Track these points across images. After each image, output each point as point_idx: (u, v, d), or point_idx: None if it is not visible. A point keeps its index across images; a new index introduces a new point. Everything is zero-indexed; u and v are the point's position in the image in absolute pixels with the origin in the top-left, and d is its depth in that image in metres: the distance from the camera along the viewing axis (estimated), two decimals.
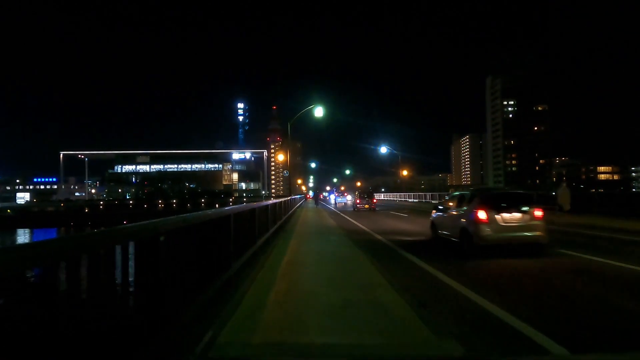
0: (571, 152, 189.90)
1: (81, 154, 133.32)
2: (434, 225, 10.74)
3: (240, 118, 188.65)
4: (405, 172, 46.65)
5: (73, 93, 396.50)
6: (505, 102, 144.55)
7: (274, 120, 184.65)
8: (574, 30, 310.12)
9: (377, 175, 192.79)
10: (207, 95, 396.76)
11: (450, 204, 10.14)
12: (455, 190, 10.99)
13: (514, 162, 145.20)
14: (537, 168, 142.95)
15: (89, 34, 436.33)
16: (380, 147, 43.07)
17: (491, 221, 8.00)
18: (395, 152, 43.52)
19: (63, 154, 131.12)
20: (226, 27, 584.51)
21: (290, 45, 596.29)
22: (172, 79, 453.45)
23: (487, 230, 7.96)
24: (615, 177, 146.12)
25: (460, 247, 8.59)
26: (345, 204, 40.40)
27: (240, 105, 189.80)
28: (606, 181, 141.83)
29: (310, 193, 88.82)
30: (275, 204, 11.15)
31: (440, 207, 10.80)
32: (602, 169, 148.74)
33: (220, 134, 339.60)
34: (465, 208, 8.86)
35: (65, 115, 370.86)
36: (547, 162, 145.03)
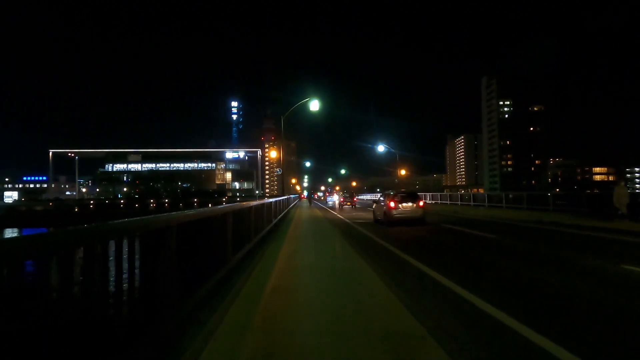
0: (567, 152, 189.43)
1: (71, 153, 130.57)
2: (374, 212, 17.59)
3: (234, 117, 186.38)
4: (403, 172, 44.99)
5: (64, 91, 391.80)
6: (501, 102, 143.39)
7: (268, 119, 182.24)
8: (570, 31, 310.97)
9: (372, 175, 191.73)
10: (200, 92, 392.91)
11: (382, 199, 16.42)
12: (392, 190, 18.55)
13: (509, 162, 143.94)
14: (532, 169, 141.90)
15: (79, 30, 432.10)
16: (378, 145, 41.37)
17: (396, 208, 14.65)
18: (392, 150, 41.75)
19: (52, 152, 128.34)
20: (219, 22, 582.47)
21: (286, 45, 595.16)
22: (164, 75, 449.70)
23: (393, 212, 14.63)
24: (611, 177, 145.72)
25: (383, 222, 15.37)
26: (334, 202, 46.73)
27: (234, 103, 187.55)
28: (601, 182, 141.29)
29: (305, 193, 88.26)
30: (262, 204, 9.34)
31: (377, 201, 17.59)
32: (597, 169, 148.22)
33: (214, 132, 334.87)
34: (386, 201, 15.45)
35: (56, 113, 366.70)
36: (543, 162, 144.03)
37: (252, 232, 7.01)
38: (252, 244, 7.03)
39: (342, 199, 39.46)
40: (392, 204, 14.60)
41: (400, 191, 17.34)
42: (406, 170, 52.70)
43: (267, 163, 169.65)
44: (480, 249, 9.18)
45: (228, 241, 4.77)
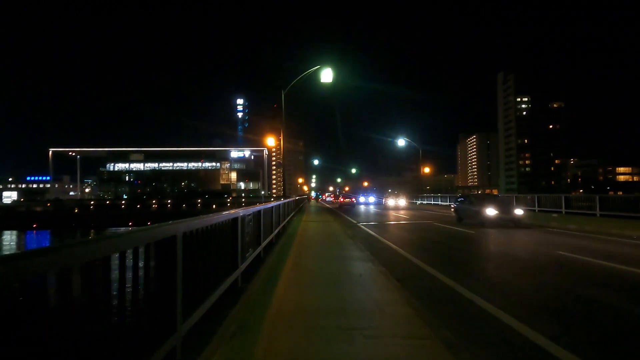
0: (588, 151, 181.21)
1: (72, 151, 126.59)
2: (339, 204, 43.11)
3: (240, 115, 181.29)
4: (427, 169, 39.51)
5: (69, 89, 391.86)
6: (518, 99, 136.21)
7: (276, 117, 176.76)
8: (592, 25, 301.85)
9: (382, 175, 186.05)
10: (204, 89, 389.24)
11: (340, 196, 51.40)
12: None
13: (527, 162, 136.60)
14: (552, 169, 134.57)
15: (79, 26, 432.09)
16: (398, 139, 36.17)
17: (344, 200, 40.91)
18: (415, 145, 36.22)
19: (52, 152, 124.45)
20: (226, 7, 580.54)
21: (291, 42, 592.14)
22: (167, 72, 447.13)
23: (342, 203, 40.54)
24: (635, 178, 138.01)
25: (340, 207, 40.20)
26: (333, 200, 56.91)
27: (240, 101, 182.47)
28: (625, 182, 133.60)
29: (313, 194, 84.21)
30: (236, 217, 3.73)
31: (337, 198, 53.02)
32: (621, 169, 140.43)
33: (219, 129, 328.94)
34: (340, 197, 49.96)
35: (58, 112, 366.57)
36: (563, 162, 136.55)
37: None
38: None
39: (333, 198, 59.40)
40: (342, 199, 38.73)
41: (344, 192, 43.30)
42: (430, 168, 47.24)
43: (273, 163, 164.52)
44: None
45: None
